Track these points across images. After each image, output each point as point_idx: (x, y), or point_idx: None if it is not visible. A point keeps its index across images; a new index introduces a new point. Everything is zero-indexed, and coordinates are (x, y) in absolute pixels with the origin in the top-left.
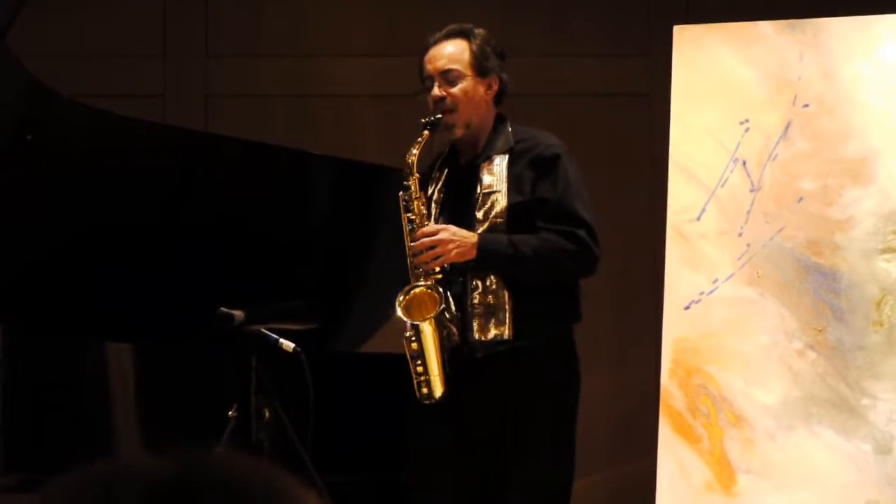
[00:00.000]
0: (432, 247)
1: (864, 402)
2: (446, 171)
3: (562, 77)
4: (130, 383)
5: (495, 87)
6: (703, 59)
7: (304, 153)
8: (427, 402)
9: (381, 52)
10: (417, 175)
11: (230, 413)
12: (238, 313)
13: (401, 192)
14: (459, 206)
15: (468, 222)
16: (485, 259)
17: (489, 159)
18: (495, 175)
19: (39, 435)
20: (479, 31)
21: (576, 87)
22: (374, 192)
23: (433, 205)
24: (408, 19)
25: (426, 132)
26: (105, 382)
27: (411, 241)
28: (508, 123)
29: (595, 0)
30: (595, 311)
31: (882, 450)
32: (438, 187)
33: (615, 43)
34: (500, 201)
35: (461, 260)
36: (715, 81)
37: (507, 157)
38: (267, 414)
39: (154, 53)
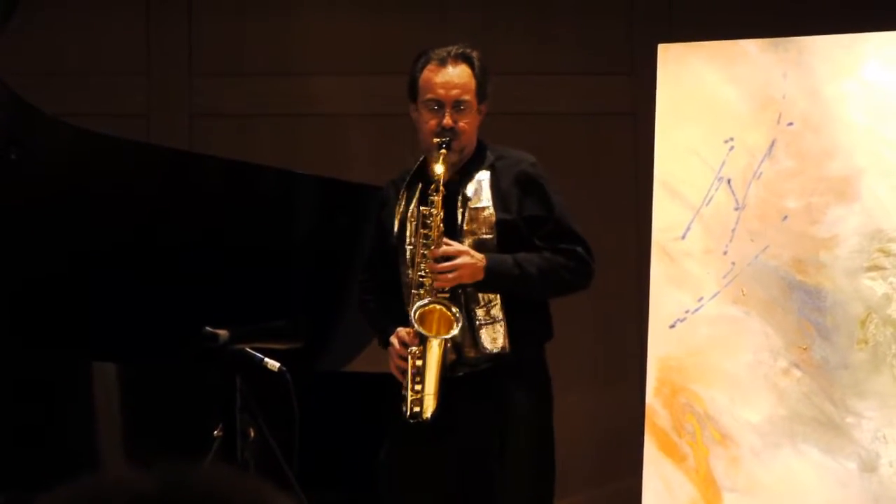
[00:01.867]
0: (450, 269)
1: (849, 420)
2: (420, 185)
3: (546, 96)
4: (115, 402)
5: (484, 112)
6: (687, 78)
7: (289, 173)
8: (414, 420)
9: (367, 71)
10: (443, 191)
11: (215, 432)
12: (222, 332)
13: (422, 207)
14: (443, 222)
15: (452, 237)
16: (492, 280)
17: (470, 176)
18: (480, 191)
19: (24, 454)
20: (476, 54)
21: (560, 105)
22: (360, 211)
23: (409, 220)
24: (394, 38)
25: (444, 150)
26: (90, 401)
27: (430, 259)
28: (484, 142)
29: (579, 19)
30: (580, 330)
31: (867, 468)
32: (415, 203)
33: (599, 62)
34: (489, 217)
35: (471, 281)
36: (699, 100)
37: (487, 173)
38: (252, 433)
39: (138, 72)
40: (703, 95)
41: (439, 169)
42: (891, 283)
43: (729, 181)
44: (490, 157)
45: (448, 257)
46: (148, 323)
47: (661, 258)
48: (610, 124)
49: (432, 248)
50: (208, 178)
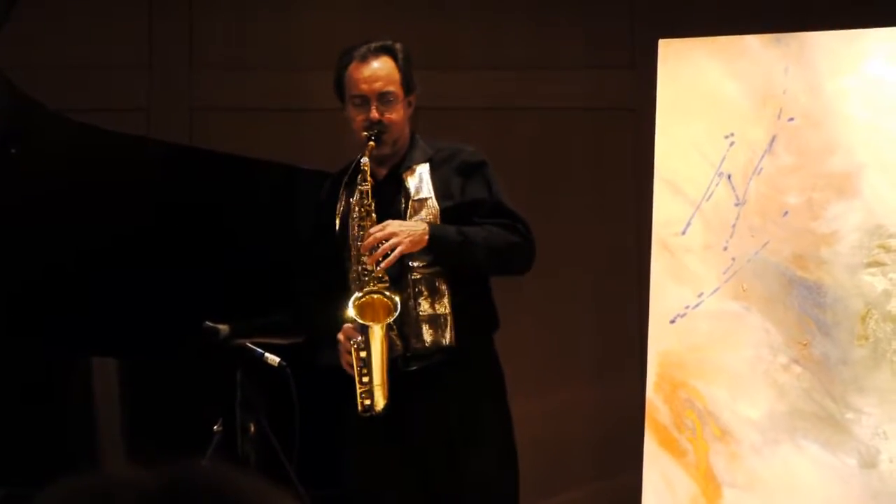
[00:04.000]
0: (384, 242)
1: (849, 416)
2: (358, 184)
3: (546, 91)
4: (115, 397)
5: (413, 104)
6: (688, 73)
7: (291, 168)
8: (367, 414)
9: None
10: (371, 181)
11: (215, 427)
12: (223, 327)
13: (352, 200)
14: (386, 215)
15: None
16: (437, 246)
17: (410, 169)
18: (420, 183)
19: (24, 450)
20: (399, 46)
21: (561, 100)
22: None
23: (350, 217)
24: (394, 33)
25: (372, 143)
26: (90, 396)
27: (363, 244)
28: (418, 136)
29: (580, 14)
30: (580, 325)
31: (867, 464)
32: (355, 201)
33: (600, 56)
34: (432, 206)
35: (416, 249)
36: (700, 95)
37: (426, 165)
38: (252, 428)
39: (139, 66)
40: (703, 91)
41: (364, 159)
42: (891, 279)
43: (729, 176)
44: (428, 150)
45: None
46: (148, 318)
47: (661, 253)
48: (610, 119)
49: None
50: (209, 173)
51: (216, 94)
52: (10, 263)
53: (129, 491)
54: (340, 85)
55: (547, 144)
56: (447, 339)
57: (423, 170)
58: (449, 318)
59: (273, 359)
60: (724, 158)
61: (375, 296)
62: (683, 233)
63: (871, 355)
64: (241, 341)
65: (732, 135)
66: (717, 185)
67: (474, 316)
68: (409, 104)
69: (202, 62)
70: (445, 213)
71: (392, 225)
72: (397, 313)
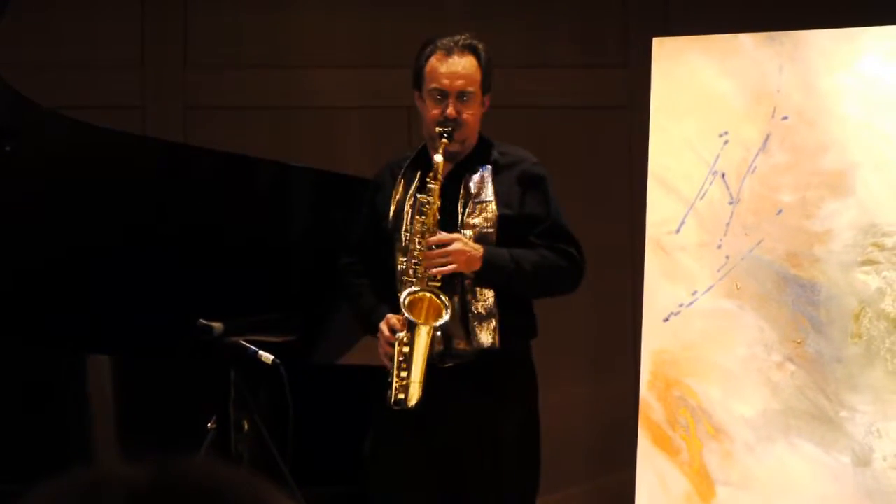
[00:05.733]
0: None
1: (843, 414)
2: (419, 173)
3: (540, 89)
4: (109, 394)
5: (487, 105)
6: (682, 72)
7: (285, 165)
8: (398, 407)
9: (363, 64)
10: (441, 180)
11: (209, 425)
12: (217, 325)
13: (419, 195)
14: (445, 212)
15: (454, 229)
16: (488, 272)
17: (474, 169)
18: (482, 185)
19: (17, 446)
20: (482, 46)
21: (555, 98)
22: (355, 204)
23: (405, 207)
24: (390, 31)
25: (445, 140)
26: (84, 394)
27: (422, 247)
28: (487, 137)
29: (573, 12)
30: (575, 324)
31: (861, 462)
32: (413, 191)
33: (594, 55)
34: (491, 211)
35: (468, 271)
36: (694, 94)
37: (489, 168)
38: (246, 426)
39: (133, 64)
40: (697, 89)
41: (439, 158)
42: (884, 278)
43: (723, 175)
44: (494, 152)
45: (442, 245)
46: (143, 315)
47: (655, 252)
48: (605, 118)
49: (427, 236)
50: (203, 171)
51: (210, 92)
52: (2, 261)
53: (121, 487)
54: (419, 74)
55: (541, 143)
56: (490, 342)
57: (487, 172)
58: (494, 320)
59: (267, 356)
60: (718, 157)
61: (429, 294)
62: (677, 231)
63: (864, 353)
64: (234, 339)
65: (726, 133)
66: (711, 183)
67: (518, 320)
68: (483, 104)
69: (196, 60)
70: (503, 220)
71: (458, 242)
72: (448, 316)
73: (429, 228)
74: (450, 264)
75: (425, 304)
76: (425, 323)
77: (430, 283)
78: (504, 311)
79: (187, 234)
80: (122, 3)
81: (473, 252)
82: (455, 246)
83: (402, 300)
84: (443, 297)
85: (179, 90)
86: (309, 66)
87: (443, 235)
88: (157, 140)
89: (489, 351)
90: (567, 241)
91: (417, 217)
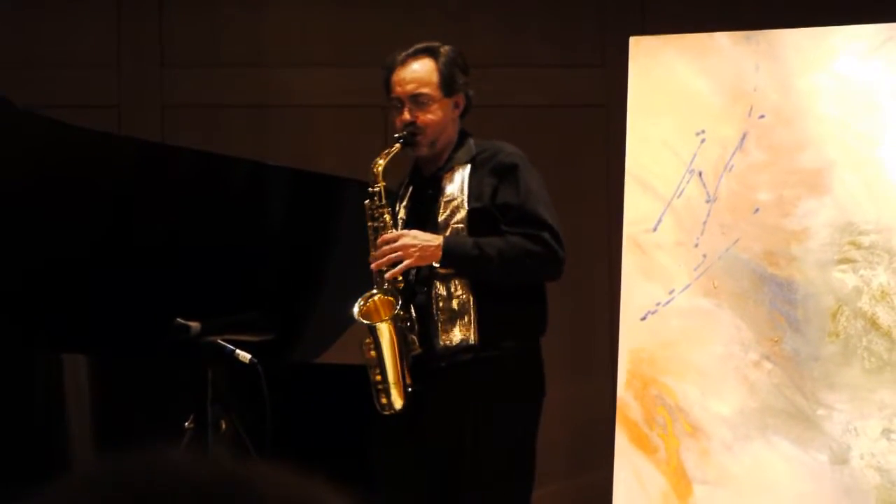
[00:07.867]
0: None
1: (820, 412)
2: (411, 187)
3: (517, 88)
4: (86, 394)
5: (461, 105)
6: (659, 71)
7: (262, 164)
8: (386, 412)
9: (341, 63)
10: (383, 183)
11: (187, 424)
12: (194, 324)
13: (366, 201)
14: (422, 217)
15: (431, 231)
16: (450, 260)
17: (451, 170)
18: (456, 184)
19: None
20: (445, 48)
21: (531, 98)
22: (332, 203)
23: (399, 221)
24: (368, 30)
25: (397, 145)
26: (60, 394)
27: (374, 251)
28: (471, 138)
29: (550, 11)
30: (551, 322)
31: (838, 460)
32: (404, 203)
33: (571, 54)
34: (461, 208)
35: (425, 263)
36: (671, 92)
37: (468, 167)
38: (223, 425)
39: (109, 63)
40: (674, 88)
41: (380, 161)
42: (861, 276)
43: (700, 173)
44: (473, 150)
45: (387, 243)
46: (119, 315)
47: (632, 250)
48: (581, 117)
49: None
50: (180, 170)
51: (187, 91)
52: None
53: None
54: (386, 89)
55: (518, 142)
56: (463, 337)
57: (465, 171)
58: (468, 316)
59: (244, 355)
60: (695, 155)
61: (376, 297)
62: (654, 229)
63: (841, 352)
64: (212, 338)
65: (703, 132)
66: (688, 181)
67: (504, 315)
68: (456, 105)
69: (173, 59)
70: (472, 214)
71: (406, 237)
72: (399, 307)
73: (381, 233)
74: (400, 261)
75: (379, 305)
76: (380, 320)
77: (390, 286)
78: (483, 306)
79: (164, 234)
80: (98, 2)
81: (426, 243)
82: (401, 241)
83: (355, 309)
84: (388, 291)
85: (156, 89)
86: (285, 65)
87: (388, 234)
88: (134, 139)
89: (468, 347)
90: (538, 226)
91: (369, 223)
